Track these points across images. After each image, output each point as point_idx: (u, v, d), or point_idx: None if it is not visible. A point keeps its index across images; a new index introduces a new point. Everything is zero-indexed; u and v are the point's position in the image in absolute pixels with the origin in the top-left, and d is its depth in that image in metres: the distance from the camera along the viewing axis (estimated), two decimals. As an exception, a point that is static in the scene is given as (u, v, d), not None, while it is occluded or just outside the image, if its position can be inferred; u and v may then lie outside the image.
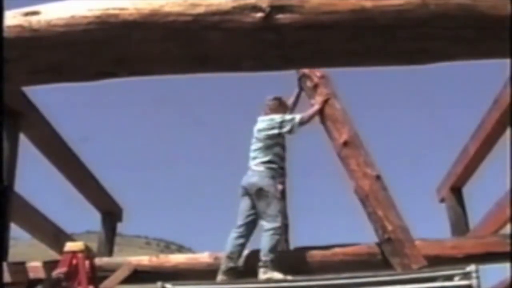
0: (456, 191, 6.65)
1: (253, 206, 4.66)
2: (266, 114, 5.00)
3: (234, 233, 4.65)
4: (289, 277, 4.25)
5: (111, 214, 7.49)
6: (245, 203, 4.71)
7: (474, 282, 3.42)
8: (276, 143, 4.83)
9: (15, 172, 5.27)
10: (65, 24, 1.78)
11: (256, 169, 4.74)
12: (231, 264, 4.52)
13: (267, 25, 1.75)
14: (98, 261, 5.27)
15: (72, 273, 4.48)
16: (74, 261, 4.51)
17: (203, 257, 5.04)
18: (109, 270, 4.97)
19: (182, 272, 4.92)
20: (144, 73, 1.96)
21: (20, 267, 5.05)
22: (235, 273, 4.50)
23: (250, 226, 4.66)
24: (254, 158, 4.81)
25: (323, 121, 4.91)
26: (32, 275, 5.02)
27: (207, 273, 4.88)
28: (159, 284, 3.92)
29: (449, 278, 3.59)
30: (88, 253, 4.75)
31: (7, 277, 4.74)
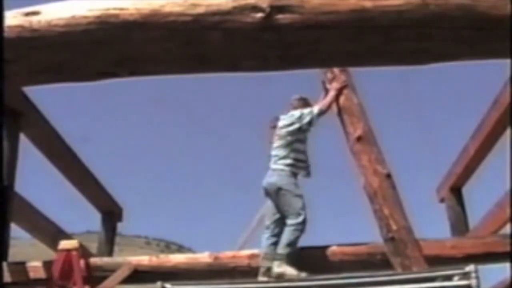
0: (456, 191, 6.66)
1: (277, 205, 4.68)
2: None
3: (265, 234, 4.69)
4: (302, 274, 4.22)
5: (111, 214, 7.50)
6: (269, 203, 4.77)
7: (473, 282, 3.41)
8: (296, 139, 4.82)
9: (15, 172, 5.28)
10: (65, 24, 1.78)
11: (275, 168, 4.76)
12: (269, 264, 4.50)
13: (267, 25, 1.75)
14: (98, 261, 5.28)
15: (66, 272, 4.48)
16: (69, 259, 4.51)
17: (203, 257, 5.05)
18: (109, 270, 4.98)
19: (182, 272, 4.93)
20: (144, 73, 1.96)
21: (20, 267, 5.06)
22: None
23: (279, 224, 4.64)
24: (274, 156, 4.82)
25: (339, 113, 4.90)
26: (32, 275, 5.02)
27: (207, 273, 4.89)
28: (159, 284, 3.92)
29: (449, 278, 3.59)
30: (83, 251, 4.74)
31: (7, 277, 4.75)
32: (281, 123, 4.94)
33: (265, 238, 4.67)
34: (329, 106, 4.85)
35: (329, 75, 4.97)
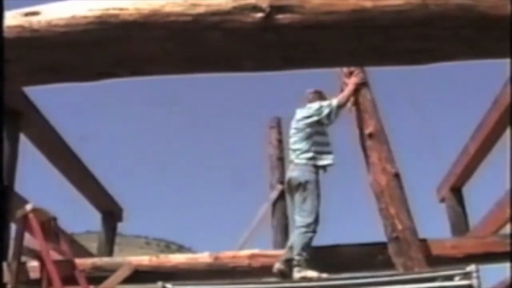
0: (456, 191, 6.67)
1: (293, 200, 4.63)
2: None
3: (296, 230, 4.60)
4: (324, 275, 4.18)
5: (111, 214, 7.51)
6: (289, 200, 4.75)
7: (474, 282, 3.41)
8: (315, 132, 4.78)
9: (15, 172, 5.28)
10: (65, 24, 1.78)
11: (297, 162, 4.70)
12: (291, 256, 4.44)
13: (267, 25, 1.75)
14: (98, 261, 5.29)
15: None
16: (27, 224, 4.50)
17: (203, 257, 5.05)
18: (109, 270, 4.98)
19: (182, 272, 4.93)
20: (144, 73, 1.96)
21: (20, 267, 5.05)
22: (292, 265, 4.41)
23: None
24: (295, 150, 4.77)
25: (353, 108, 4.89)
26: (32, 275, 5.02)
27: (207, 273, 4.89)
28: (160, 284, 3.92)
29: (449, 278, 3.59)
30: (43, 215, 4.69)
31: (7, 277, 4.74)
32: (298, 115, 4.91)
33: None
34: (347, 100, 4.86)
35: (345, 70, 4.97)
